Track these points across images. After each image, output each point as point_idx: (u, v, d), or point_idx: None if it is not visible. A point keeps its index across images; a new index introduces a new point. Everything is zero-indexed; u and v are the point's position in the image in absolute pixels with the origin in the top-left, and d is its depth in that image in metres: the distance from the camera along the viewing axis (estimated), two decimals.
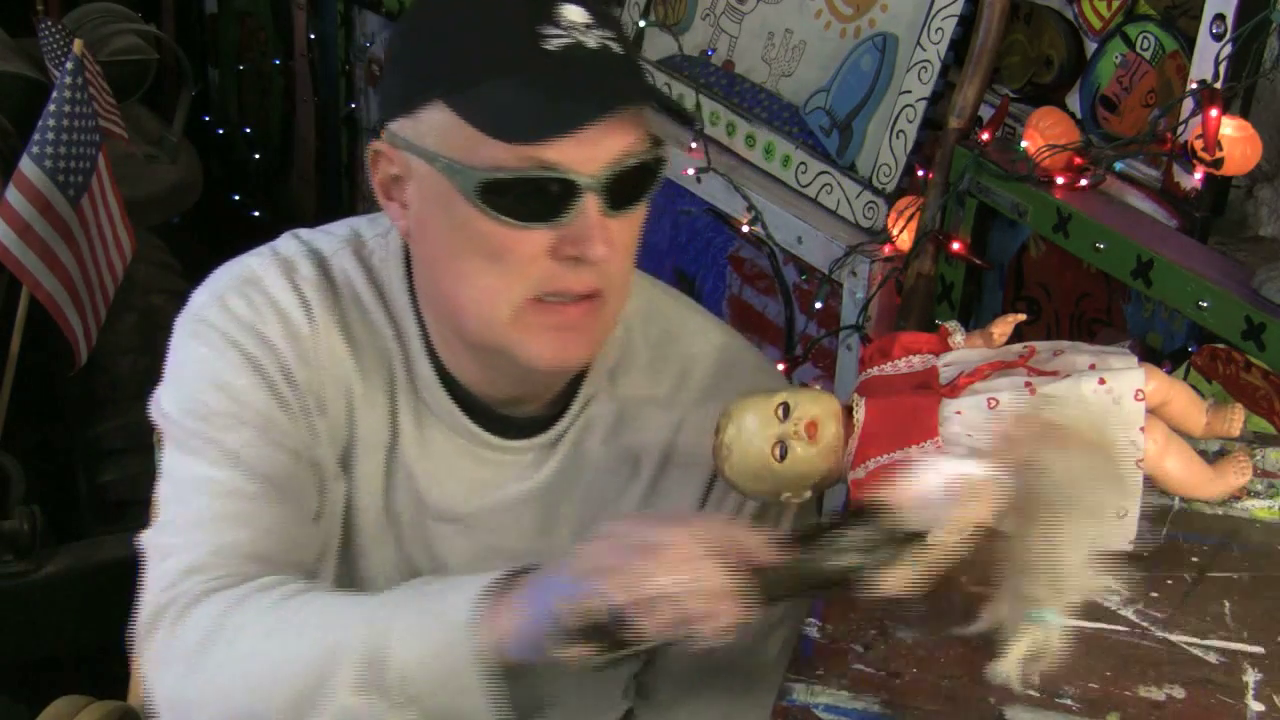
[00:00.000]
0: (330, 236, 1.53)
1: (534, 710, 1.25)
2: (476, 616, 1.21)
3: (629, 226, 1.37)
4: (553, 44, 1.30)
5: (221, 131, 4.88)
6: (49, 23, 3.49)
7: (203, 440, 1.43)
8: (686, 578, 1.15)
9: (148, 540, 1.43)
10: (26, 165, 2.97)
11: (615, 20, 1.38)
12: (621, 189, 1.33)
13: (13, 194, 2.97)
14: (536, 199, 1.31)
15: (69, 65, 2.99)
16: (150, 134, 4.01)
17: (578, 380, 1.51)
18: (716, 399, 1.48)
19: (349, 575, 1.54)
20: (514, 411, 1.51)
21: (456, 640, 1.21)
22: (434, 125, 1.34)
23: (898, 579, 1.15)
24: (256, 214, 4.70)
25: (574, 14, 1.33)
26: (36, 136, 2.98)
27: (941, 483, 1.16)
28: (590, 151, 1.30)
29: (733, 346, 1.59)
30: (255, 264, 1.49)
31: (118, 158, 3.25)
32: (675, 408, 1.54)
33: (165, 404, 1.48)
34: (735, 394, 1.46)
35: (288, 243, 1.52)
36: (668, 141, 1.40)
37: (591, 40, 1.32)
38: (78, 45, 3.01)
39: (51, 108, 2.98)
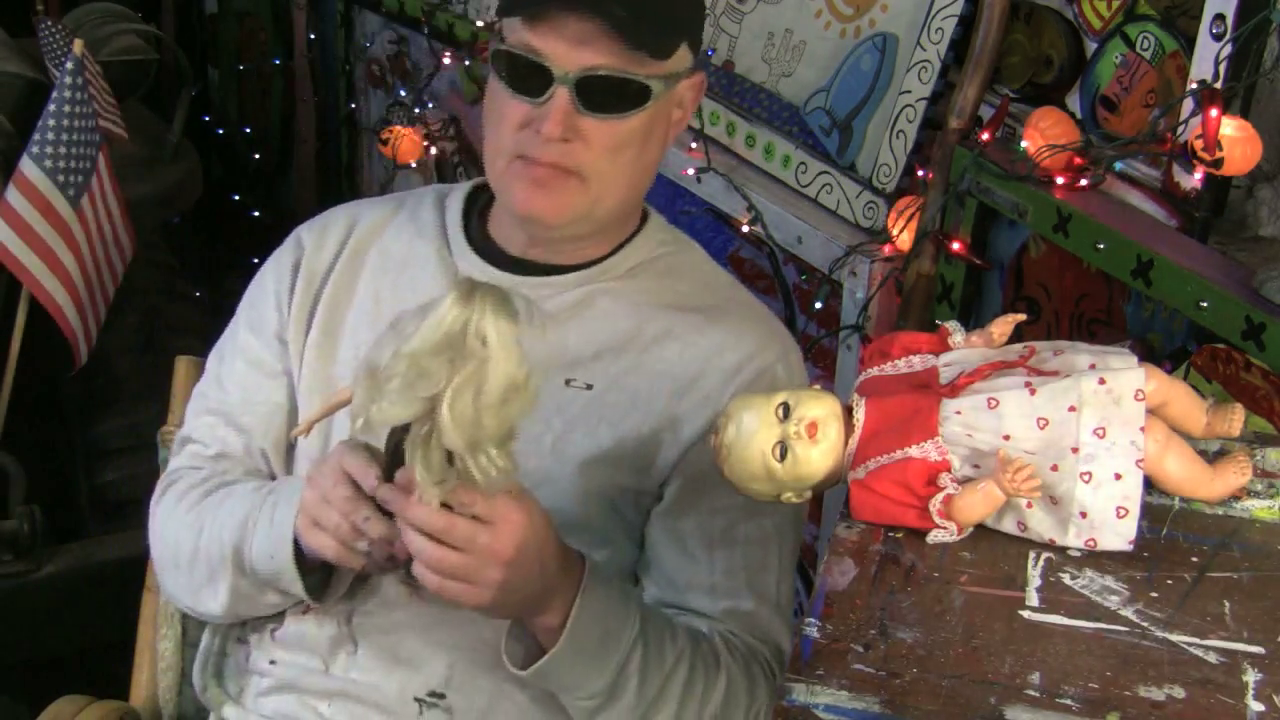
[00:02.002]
0: (430, 185, 1.91)
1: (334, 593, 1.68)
2: (291, 529, 1.60)
3: (609, 131, 1.64)
4: None
5: (221, 131, 4.87)
6: (49, 23, 3.48)
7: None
8: (316, 494, 1.53)
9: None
10: (26, 165, 2.97)
11: None
12: (595, 92, 1.61)
13: (13, 194, 2.97)
14: (524, 77, 1.63)
15: (69, 65, 2.98)
16: (150, 134, 4.00)
17: (591, 265, 1.76)
18: (714, 320, 1.74)
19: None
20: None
21: (280, 546, 1.62)
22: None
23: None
24: (256, 214, 4.70)
25: None
26: (36, 136, 2.98)
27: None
28: (568, 51, 1.60)
29: (730, 287, 1.84)
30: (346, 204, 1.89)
31: (118, 158, 3.24)
32: (675, 311, 1.75)
33: None
34: (729, 315, 1.75)
35: (395, 194, 1.92)
36: (679, 79, 1.67)
37: None
38: (78, 45, 3.01)
39: (51, 108, 2.98)
